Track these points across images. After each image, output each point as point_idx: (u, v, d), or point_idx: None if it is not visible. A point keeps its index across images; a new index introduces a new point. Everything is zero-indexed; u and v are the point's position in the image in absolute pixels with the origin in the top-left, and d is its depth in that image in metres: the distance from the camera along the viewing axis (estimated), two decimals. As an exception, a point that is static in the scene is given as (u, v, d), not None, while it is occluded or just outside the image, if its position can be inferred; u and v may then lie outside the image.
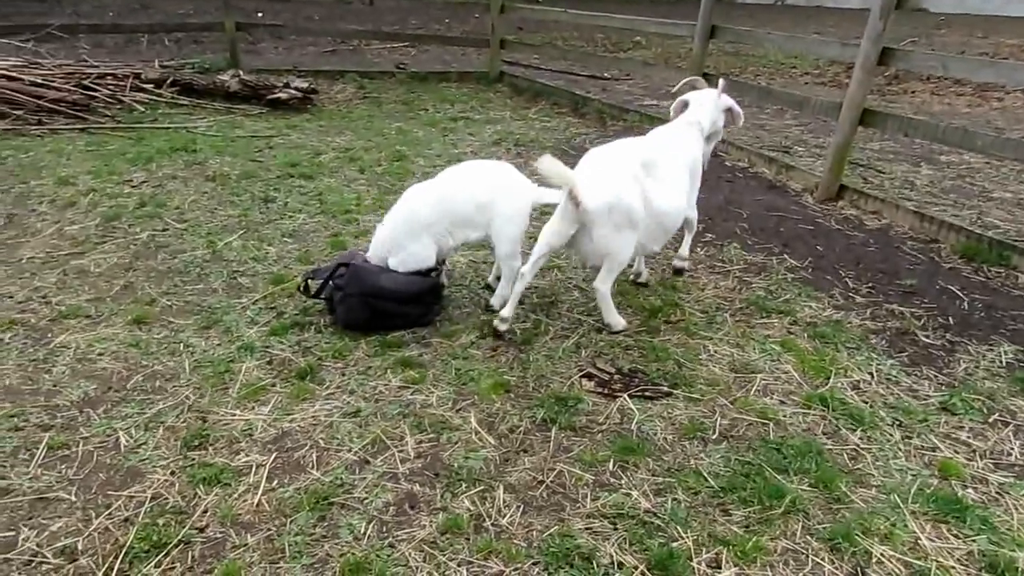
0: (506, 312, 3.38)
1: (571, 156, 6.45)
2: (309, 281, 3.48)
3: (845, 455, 2.71)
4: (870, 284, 4.16)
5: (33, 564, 2.12)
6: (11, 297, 3.59)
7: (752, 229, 4.92)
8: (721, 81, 3.90)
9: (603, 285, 3.38)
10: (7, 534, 2.22)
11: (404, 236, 3.45)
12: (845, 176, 5.70)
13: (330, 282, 3.40)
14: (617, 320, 3.51)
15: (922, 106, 9.67)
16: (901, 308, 3.87)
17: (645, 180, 3.28)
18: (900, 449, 2.76)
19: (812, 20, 19.96)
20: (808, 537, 2.31)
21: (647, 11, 13.76)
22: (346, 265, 3.38)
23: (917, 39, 14.84)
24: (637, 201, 3.22)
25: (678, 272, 4.09)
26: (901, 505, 2.45)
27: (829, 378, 3.19)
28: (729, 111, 3.85)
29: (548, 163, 3.02)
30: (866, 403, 3.03)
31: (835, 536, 2.29)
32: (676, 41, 13.66)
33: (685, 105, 3.82)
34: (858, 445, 2.77)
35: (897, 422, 2.92)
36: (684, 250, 4.01)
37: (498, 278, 3.75)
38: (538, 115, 8.22)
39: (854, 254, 4.58)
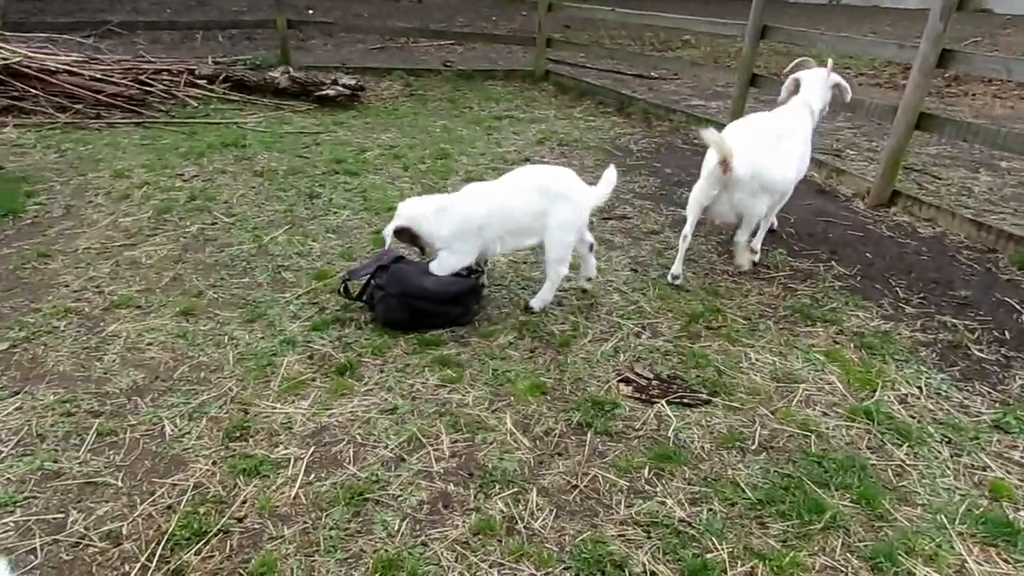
0: (676, 269, 3.99)
1: (616, 156, 6.41)
2: (347, 284, 3.52)
3: (890, 471, 2.64)
4: (922, 294, 4.03)
5: (80, 546, 2.20)
6: (67, 286, 3.72)
7: (799, 234, 4.81)
8: (830, 61, 4.41)
9: (741, 236, 4.00)
10: (57, 516, 2.30)
11: (453, 235, 3.45)
12: (899, 181, 5.53)
13: (371, 282, 3.44)
14: (745, 260, 4.09)
15: (983, 109, 9.34)
16: (954, 320, 3.74)
17: (774, 152, 3.84)
18: (948, 467, 2.67)
19: (868, 19, 19.43)
20: (848, 555, 2.25)
21: (698, 10, 13.58)
22: (386, 267, 3.41)
23: (980, 39, 14.32)
24: (772, 171, 3.79)
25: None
26: (948, 526, 2.37)
27: (875, 391, 3.10)
28: (837, 86, 4.39)
29: (710, 133, 3.59)
30: (914, 418, 2.94)
31: (877, 555, 2.23)
32: (726, 40, 13.44)
33: (796, 83, 4.34)
34: (904, 461, 2.69)
35: (946, 439, 2.82)
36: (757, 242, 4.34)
37: (588, 279, 3.80)
38: (583, 114, 8.18)
39: (906, 263, 4.44)
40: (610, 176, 3.59)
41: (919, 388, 3.14)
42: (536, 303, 3.65)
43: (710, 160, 3.77)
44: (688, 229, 3.95)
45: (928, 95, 6.11)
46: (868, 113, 5.85)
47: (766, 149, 3.79)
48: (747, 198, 3.78)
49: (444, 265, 3.47)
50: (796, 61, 4.56)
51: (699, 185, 3.90)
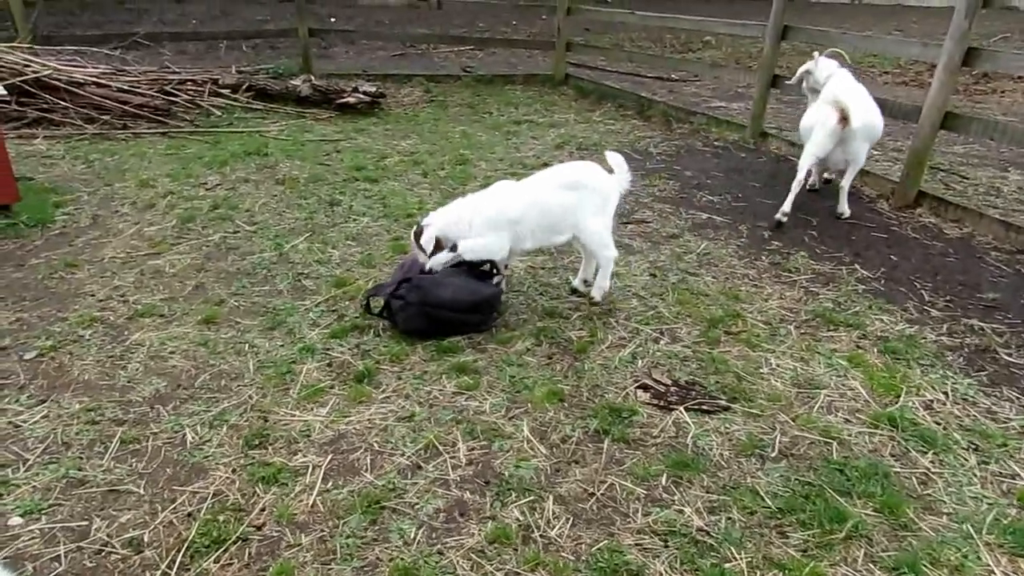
0: (786, 208, 4.81)
1: (635, 159, 6.38)
2: (371, 299, 3.54)
3: (914, 479, 2.59)
4: (948, 297, 3.95)
5: (103, 554, 2.23)
6: (93, 295, 3.79)
7: (821, 237, 4.75)
8: (829, 50, 5.68)
9: (847, 182, 4.92)
10: (81, 523, 2.34)
11: (486, 226, 3.46)
12: (924, 182, 5.44)
13: (391, 296, 3.45)
14: (847, 209, 4.98)
15: (1012, 107, 9.14)
16: (981, 323, 3.66)
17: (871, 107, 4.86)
18: (975, 475, 2.61)
19: (895, 18, 19.14)
20: (871, 565, 2.21)
21: (720, 11, 13.46)
22: (407, 280, 3.42)
23: (1010, 35, 14.02)
24: (875, 121, 4.82)
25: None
26: (974, 536, 2.32)
27: (899, 396, 3.05)
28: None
29: (839, 94, 4.61)
30: (939, 424, 2.88)
31: (900, 565, 2.19)
32: (747, 41, 13.31)
33: (807, 72, 5.51)
34: (929, 469, 2.64)
35: (973, 446, 2.76)
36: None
37: (584, 282, 3.86)
38: (602, 118, 8.16)
39: (931, 265, 4.36)
40: (614, 160, 3.63)
41: (945, 393, 3.08)
42: (596, 293, 3.72)
43: (829, 118, 4.60)
44: (802, 176, 4.86)
45: (955, 93, 6.00)
46: (892, 112, 5.75)
47: (868, 106, 4.74)
48: (859, 146, 4.71)
49: (477, 247, 3.48)
50: (828, 52, 5.61)
51: (816, 141, 4.71)
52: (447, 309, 3.39)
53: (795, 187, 4.83)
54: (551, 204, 3.52)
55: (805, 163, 4.82)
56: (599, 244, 3.61)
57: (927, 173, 5.59)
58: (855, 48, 5.22)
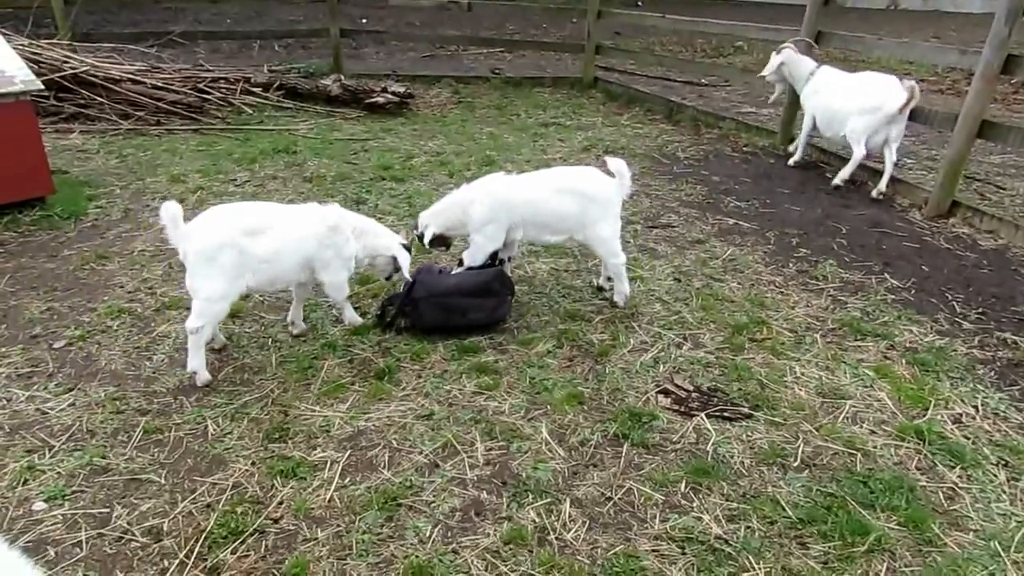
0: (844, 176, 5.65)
1: (662, 164, 6.33)
2: (386, 308, 3.55)
3: (940, 494, 2.53)
4: (980, 309, 3.86)
5: (123, 541, 2.27)
6: (122, 287, 3.85)
7: (851, 245, 4.67)
8: (800, 39, 6.26)
9: (894, 157, 5.46)
10: (103, 510, 2.38)
11: (482, 221, 3.50)
12: (959, 191, 5.33)
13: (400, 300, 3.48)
14: (884, 188, 5.47)
15: (1053, 117, 8.91)
16: (1015, 337, 3.57)
17: None
18: (1004, 491, 2.54)
19: (932, 24, 18.79)
20: (893, 580, 2.16)
21: (751, 16, 13.34)
22: (412, 283, 3.44)
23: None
24: None
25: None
26: (1002, 553, 2.26)
27: (927, 409, 2.98)
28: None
29: (910, 82, 5.20)
30: (968, 438, 2.81)
31: (924, 581, 2.14)
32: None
33: (781, 63, 6.10)
34: (956, 484, 2.57)
35: (1003, 462, 2.69)
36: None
37: (608, 279, 3.87)
38: (630, 121, 8.11)
39: (964, 276, 4.27)
40: (615, 165, 3.54)
41: (975, 407, 3.01)
42: (619, 299, 3.74)
43: (892, 103, 5.16)
44: (863, 151, 5.45)
45: (993, 102, 5.87)
46: (927, 120, 5.65)
47: None
48: (902, 128, 5.38)
49: (478, 251, 3.56)
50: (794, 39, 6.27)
51: (872, 125, 5.31)
52: (456, 295, 3.42)
53: (855, 162, 5.47)
54: (548, 205, 3.51)
55: (861, 139, 5.39)
56: (607, 252, 3.61)
57: (962, 183, 5.48)
58: (891, 55, 5.14)
